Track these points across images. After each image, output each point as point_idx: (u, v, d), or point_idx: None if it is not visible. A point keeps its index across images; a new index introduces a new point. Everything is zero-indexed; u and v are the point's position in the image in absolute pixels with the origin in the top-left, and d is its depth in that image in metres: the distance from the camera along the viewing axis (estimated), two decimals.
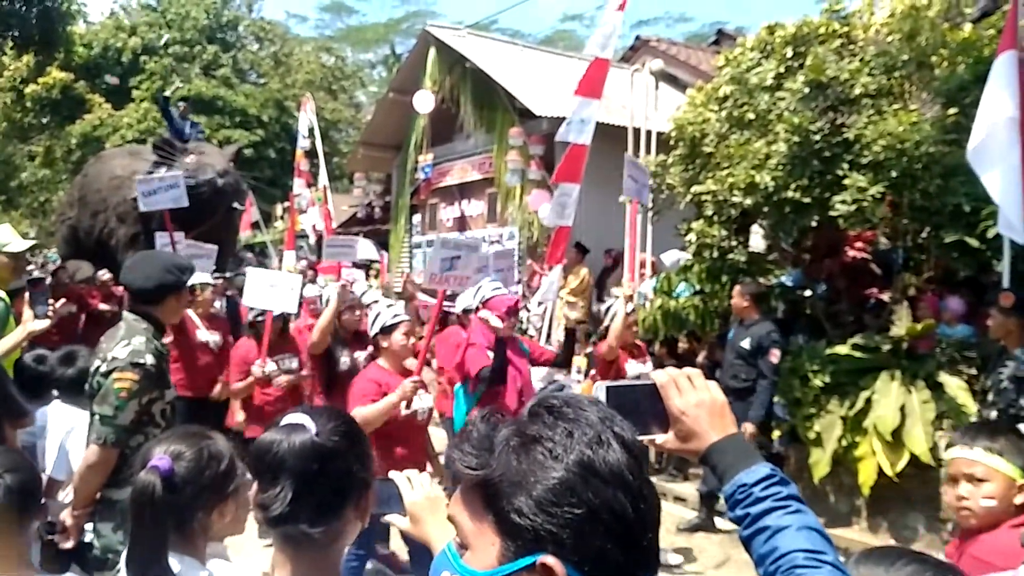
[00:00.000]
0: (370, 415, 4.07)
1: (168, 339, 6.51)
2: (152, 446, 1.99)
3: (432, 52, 13.09)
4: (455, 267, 4.44)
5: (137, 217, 10.32)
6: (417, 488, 1.66)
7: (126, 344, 3.04)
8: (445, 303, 5.60)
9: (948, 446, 2.36)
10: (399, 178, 14.95)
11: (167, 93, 12.84)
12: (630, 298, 5.05)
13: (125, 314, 3.24)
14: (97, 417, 3.00)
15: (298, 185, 14.26)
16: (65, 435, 3.55)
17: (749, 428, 5.93)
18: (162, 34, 28.06)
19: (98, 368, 3.05)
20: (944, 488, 2.31)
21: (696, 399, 1.26)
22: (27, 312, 3.83)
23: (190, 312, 6.60)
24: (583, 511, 0.90)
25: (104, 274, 10.09)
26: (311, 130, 14.24)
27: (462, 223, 13.74)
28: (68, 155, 26.75)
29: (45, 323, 3.84)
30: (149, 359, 3.04)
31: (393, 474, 1.71)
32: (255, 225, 16.79)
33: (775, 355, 6.03)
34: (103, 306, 9.57)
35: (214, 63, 28.67)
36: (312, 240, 14.21)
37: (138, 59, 27.70)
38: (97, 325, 7.51)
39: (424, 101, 12.80)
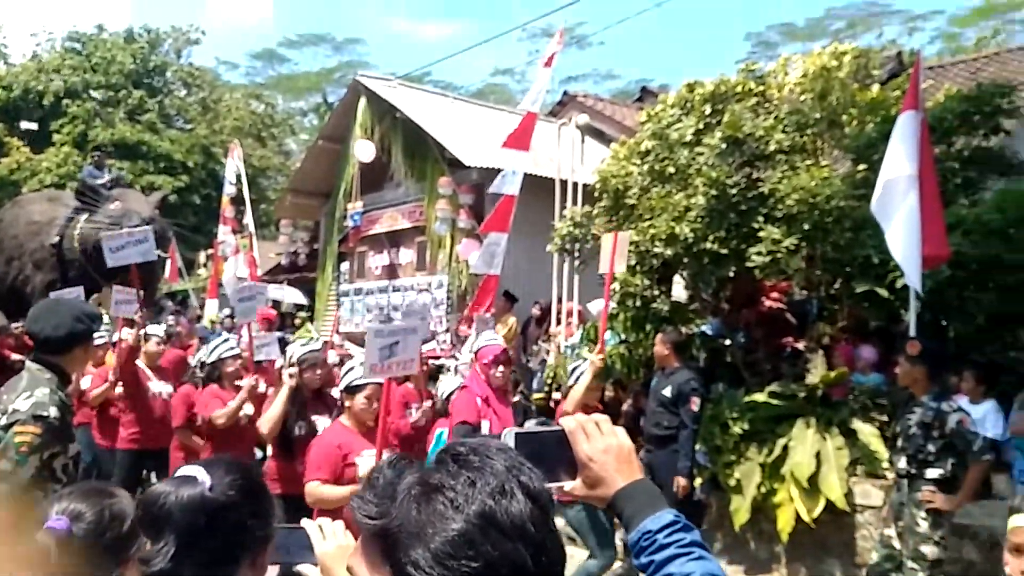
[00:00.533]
0: (326, 497, 3.88)
1: (119, 391, 6.40)
2: (50, 504, 1.89)
3: (363, 101, 13.15)
4: (395, 353, 4.01)
5: (54, 264, 10.24)
6: (329, 538, 1.62)
7: (28, 396, 2.91)
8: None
9: (1010, 512, 2.28)
10: (327, 225, 14.84)
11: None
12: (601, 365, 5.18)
13: (28, 364, 3.10)
14: None
15: (223, 232, 14.04)
16: None
17: (681, 482, 5.94)
18: (86, 78, 27.52)
19: None
20: (1006, 558, 2.27)
21: (603, 445, 1.24)
22: None
23: (140, 364, 6.56)
24: (480, 564, 0.88)
25: (18, 326, 9.70)
26: (238, 176, 14.08)
27: (391, 271, 13.69)
28: None
29: None
30: (53, 412, 2.91)
31: (305, 523, 1.66)
32: (179, 273, 16.42)
33: (695, 403, 6.08)
34: (16, 356, 9.15)
35: (139, 108, 28.20)
36: (234, 288, 13.95)
37: (60, 102, 27.06)
38: (8, 376, 7.19)
39: (365, 150, 12.81)
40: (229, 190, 13.94)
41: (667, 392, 6.27)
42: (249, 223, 13.53)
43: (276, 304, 14.40)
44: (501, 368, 4.89)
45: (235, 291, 6.94)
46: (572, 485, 1.25)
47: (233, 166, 13.79)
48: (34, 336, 3.15)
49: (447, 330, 12.30)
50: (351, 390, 4.21)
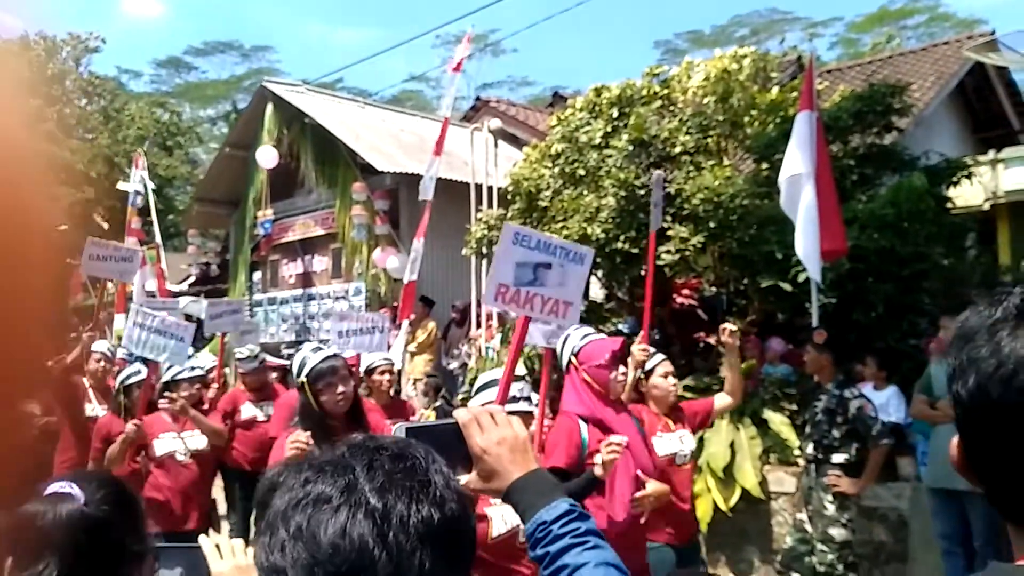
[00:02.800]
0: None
1: (51, 418, 6.03)
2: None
3: (270, 108, 12.90)
4: (541, 280, 3.14)
5: None
6: (226, 556, 1.57)
7: None
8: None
9: None
10: (237, 235, 14.50)
11: None
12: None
13: None
14: None
15: (129, 244, 13.56)
16: None
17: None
18: None
19: None
20: None
21: (497, 436, 1.23)
22: None
23: (85, 382, 6.14)
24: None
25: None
26: (144, 187, 13.63)
27: (306, 279, 13.46)
28: None
29: None
30: None
31: (201, 540, 1.61)
32: (83, 287, 15.77)
33: None
34: None
35: (37, 117, 27.03)
36: (141, 300, 13.49)
37: None
38: None
39: (267, 156, 12.55)
40: (135, 201, 13.46)
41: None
42: (156, 234, 13.11)
43: (188, 318, 13.98)
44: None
45: (209, 310, 6.62)
46: (467, 478, 1.23)
47: (138, 176, 13.31)
48: None
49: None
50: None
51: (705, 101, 6.88)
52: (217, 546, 1.59)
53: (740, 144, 7.15)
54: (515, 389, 3.13)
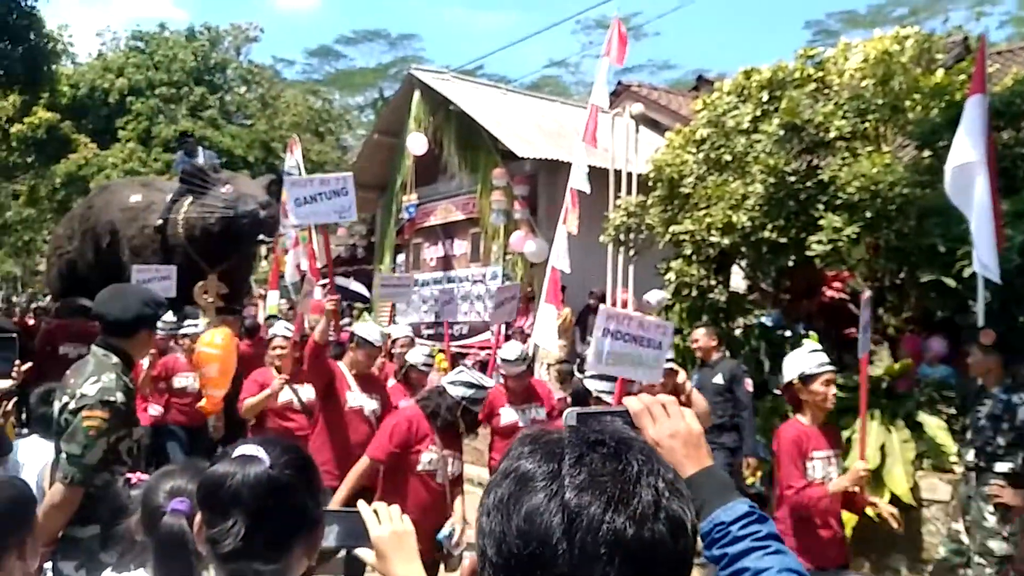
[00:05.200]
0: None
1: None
2: (155, 486, 1.97)
3: (417, 95, 13.23)
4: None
5: (155, 251, 9.77)
6: (384, 522, 1.59)
7: (95, 381, 2.98)
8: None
9: None
10: (383, 218, 15.00)
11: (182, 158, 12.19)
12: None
13: (94, 348, 3.17)
14: (64, 455, 2.93)
15: (283, 225, 14.23)
16: (40, 471, 3.50)
17: (752, 462, 6.05)
18: (149, 75, 28.20)
19: (66, 405, 2.98)
20: None
21: (670, 428, 1.19)
22: None
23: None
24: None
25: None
26: (298, 171, 14.27)
27: (446, 263, 13.78)
28: (52, 194, 26.66)
29: (8, 383, 3.74)
30: (119, 396, 2.98)
31: (361, 506, 1.63)
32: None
33: (749, 384, 6.14)
34: (64, 348, 9.01)
35: (201, 104, 28.79)
36: (294, 280, 14.14)
37: (124, 100, 27.79)
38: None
39: (417, 143, 12.91)
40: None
41: (718, 380, 6.23)
42: None
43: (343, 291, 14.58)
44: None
45: (383, 279, 7.11)
46: None
47: (293, 161, 13.95)
48: (101, 319, 3.20)
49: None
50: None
51: (863, 84, 6.50)
52: (375, 511, 1.61)
53: (900, 130, 6.73)
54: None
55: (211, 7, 74.54)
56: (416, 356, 6.22)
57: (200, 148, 11.70)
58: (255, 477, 1.46)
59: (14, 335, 4.05)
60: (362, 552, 1.61)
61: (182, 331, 7.09)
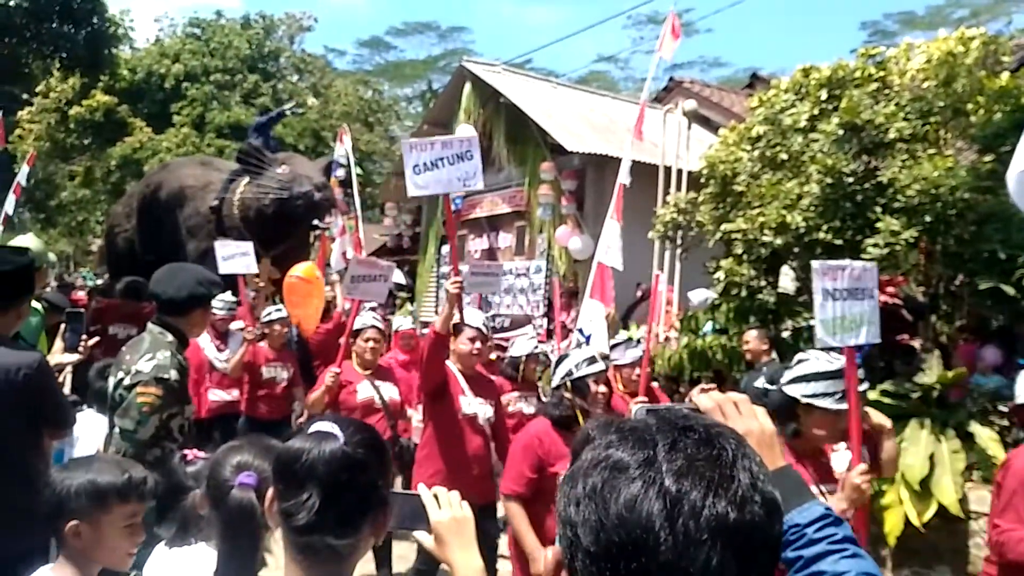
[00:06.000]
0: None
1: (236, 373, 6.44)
2: (222, 460, 2.01)
3: (467, 87, 13.26)
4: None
5: (210, 231, 9.56)
6: (444, 507, 1.60)
7: (150, 358, 3.05)
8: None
9: None
10: (430, 209, 15.07)
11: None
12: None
13: (150, 326, 3.24)
14: (117, 430, 3.00)
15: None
16: (97, 444, 3.58)
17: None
18: (205, 62, 28.65)
19: (121, 380, 3.06)
20: None
21: (744, 427, 1.17)
22: (58, 343, 3.83)
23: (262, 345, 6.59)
24: None
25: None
26: (347, 160, 14.40)
27: (491, 255, 13.81)
28: (107, 176, 27.30)
29: (74, 357, 3.84)
30: (173, 374, 3.05)
31: (421, 489, 1.64)
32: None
33: None
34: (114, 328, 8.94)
35: (254, 92, 29.22)
36: (340, 268, 14.29)
37: (180, 85, 28.30)
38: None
39: (466, 134, 12.93)
40: (338, 173, 14.24)
41: (760, 383, 6.15)
42: (356, 205, 13.83)
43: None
44: None
45: (472, 267, 6.84)
46: None
47: (342, 150, 14.09)
48: (156, 297, 3.28)
49: (544, 315, 12.34)
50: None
51: (925, 85, 6.36)
52: (436, 496, 1.62)
53: (962, 133, 6.56)
54: None
55: None
56: (526, 347, 6.06)
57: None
58: (330, 453, 1.49)
59: (82, 310, 4.18)
60: (420, 535, 1.62)
61: (269, 318, 6.78)
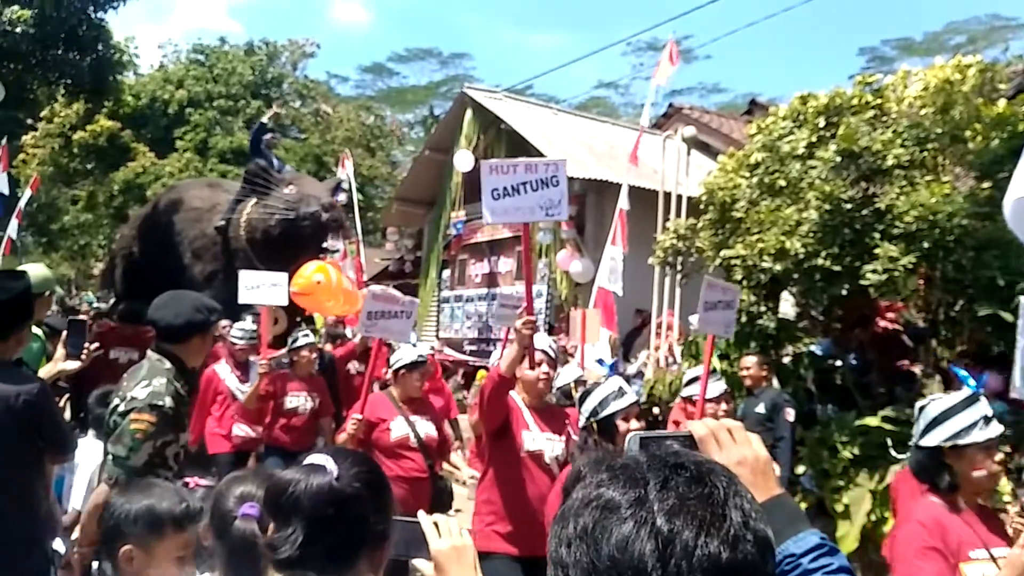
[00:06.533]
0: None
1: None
2: (225, 492, 1.99)
3: (468, 113, 13.37)
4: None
5: (216, 254, 9.38)
6: (445, 536, 1.59)
7: (146, 385, 3.05)
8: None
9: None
10: (431, 233, 15.14)
11: (264, 120, 11.45)
12: None
13: (149, 353, 3.25)
14: (111, 456, 3.00)
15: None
16: (95, 470, 3.58)
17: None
18: (208, 88, 28.86)
19: (116, 407, 3.05)
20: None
21: (738, 455, 1.15)
22: (60, 351, 3.79)
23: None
24: None
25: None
26: (348, 185, 14.47)
27: (491, 279, 13.84)
28: (110, 200, 27.41)
29: (76, 364, 3.80)
30: (167, 402, 3.04)
31: (421, 516, 1.63)
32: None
33: (790, 414, 6.09)
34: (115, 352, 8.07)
35: (257, 117, 29.40)
36: None
37: (183, 111, 28.50)
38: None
39: (464, 160, 13.03)
40: (340, 197, 14.31)
41: (760, 409, 6.18)
42: (357, 229, 13.88)
43: None
44: None
45: (500, 298, 6.33)
46: None
47: (344, 174, 14.17)
48: (155, 324, 3.27)
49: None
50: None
51: (923, 112, 6.40)
52: (435, 524, 1.61)
53: (960, 160, 6.60)
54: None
55: (265, 21, 76.26)
56: (572, 373, 5.89)
57: (271, 150, 10.74)
58: (317, 487, 1.47)
59: (84, 318, 4.16)
60: (419, 563, 1.61)
61: (296, 344, 6.44)
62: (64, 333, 3.80)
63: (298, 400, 6.28)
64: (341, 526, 1.47)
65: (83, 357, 3.85)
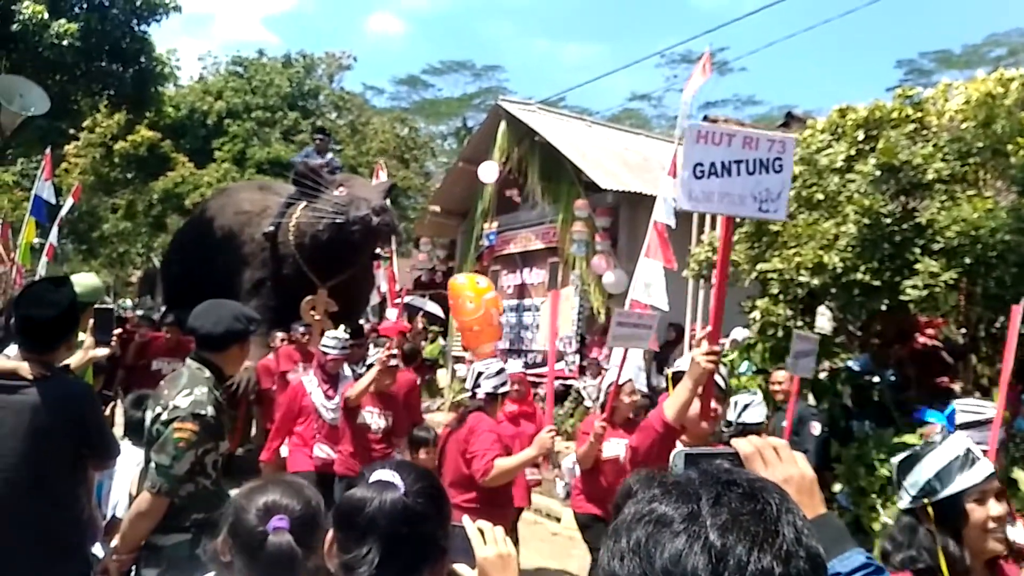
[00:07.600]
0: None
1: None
2: (245, 505, 1.84)
3: (503, 125, 13.41)
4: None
5: (265, 260, 9.06)
6: (490, 543, 1.58)
7: (188, 394, 3.08)
8: None
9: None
10: (464, 244, 15.20)
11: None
12: None
13: (188, 361, 3.28)
14: (153, 465, 3.03)
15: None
16: (134, 476, 3.62)
17: None
18: (246, 99, 29.26)
19: (159, 415, 3.09)
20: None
21: (784, 473, 1.15)
22: (88, 339, 3.72)
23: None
24: None
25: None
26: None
27: (522, 290, 13.86)
28: (149, 209, 27.85)
29: (105, 351, 3.79)
30: (209, 411, 3.07)
31: (465, 522, 1.62)
32: None
33: (816, 427, 6.07)
34: (158, 361, 8.18)
35: (294, 128, 29.73)
36: (375, 301, 14.37)
37: (222, 122, 28.91)
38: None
39: (488, 171, 13.08)
40: None
41: (786, 423, 6.12)
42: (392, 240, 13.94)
43: (411, 317, 14.80)
44: None
45: (618, 317, 5.15)
46: None
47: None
48: (194, 332, 3.31)
49: (576, 351, 12.32)
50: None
51: (964, 126, 6.32)
52: (481, 531, 1.60)
53: (1002, 174, 6.50)
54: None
55: (302, 33, 77.21)
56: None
57: (330, 148, 10.38)
58: (391, 504, 1.47)
59: (111, 307, 4.18)
60: (462, 569, 1.61)
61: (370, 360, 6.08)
62: (91, 322, 3.75)
63: (370, 417, 5.87)
64: (413, 542, 1.47)
65: (112, 344, 3.88)
